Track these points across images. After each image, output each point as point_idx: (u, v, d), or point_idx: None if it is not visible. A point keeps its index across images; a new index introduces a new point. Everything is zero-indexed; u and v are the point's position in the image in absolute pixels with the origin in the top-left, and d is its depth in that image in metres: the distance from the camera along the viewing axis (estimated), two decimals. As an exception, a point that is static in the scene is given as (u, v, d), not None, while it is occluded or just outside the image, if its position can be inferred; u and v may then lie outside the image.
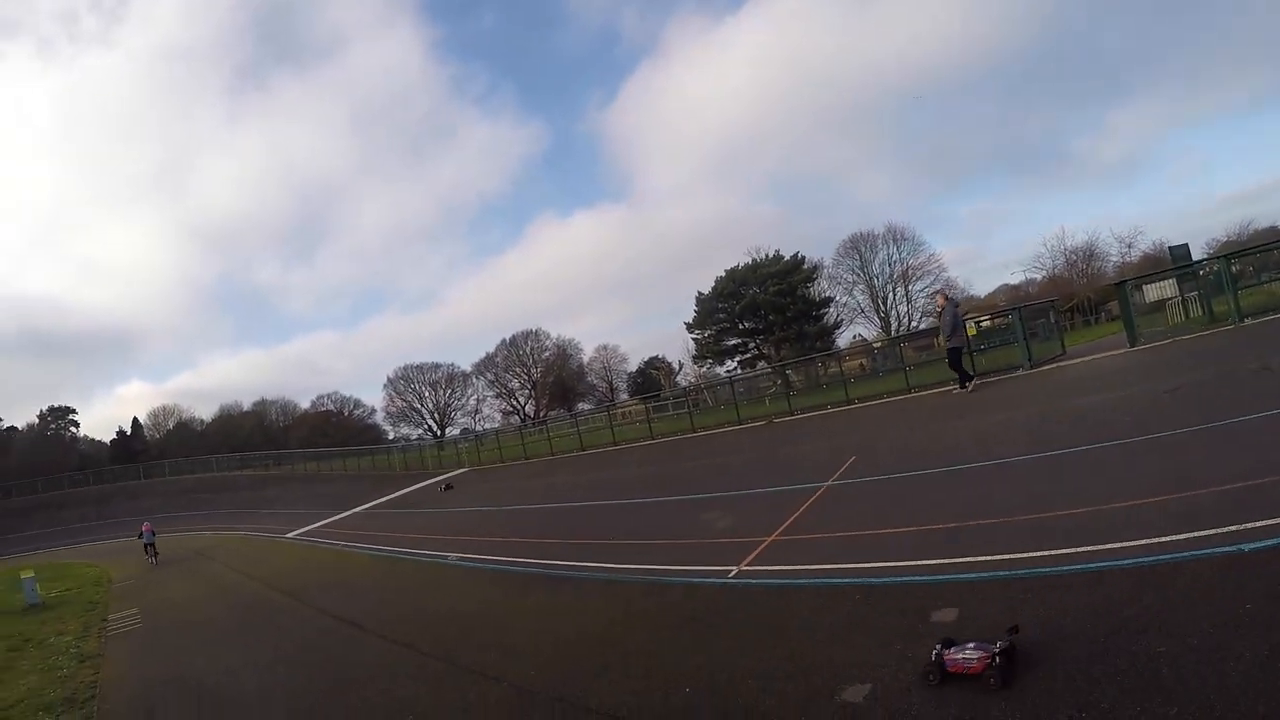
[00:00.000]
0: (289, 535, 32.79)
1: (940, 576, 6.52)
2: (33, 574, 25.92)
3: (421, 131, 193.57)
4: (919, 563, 7.05)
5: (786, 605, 7.04)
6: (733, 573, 8.70)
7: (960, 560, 6.75)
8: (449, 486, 34.97)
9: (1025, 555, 6.44)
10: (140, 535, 36.45)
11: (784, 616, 6.74)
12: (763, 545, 9.53)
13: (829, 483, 12.32)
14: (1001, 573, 6.18)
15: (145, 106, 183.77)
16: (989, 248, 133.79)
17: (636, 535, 12.99)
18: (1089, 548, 6.18)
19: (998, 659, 4.46)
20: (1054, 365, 21.14)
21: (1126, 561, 5.66)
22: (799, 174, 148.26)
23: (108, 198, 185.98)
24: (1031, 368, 21.06)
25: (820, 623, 6.28)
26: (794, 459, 16.71)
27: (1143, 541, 5.92)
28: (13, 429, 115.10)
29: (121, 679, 11.89)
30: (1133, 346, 20.45)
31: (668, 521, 13.72)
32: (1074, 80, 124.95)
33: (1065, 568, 5.94)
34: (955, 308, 21.14)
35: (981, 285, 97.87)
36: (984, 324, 26.95)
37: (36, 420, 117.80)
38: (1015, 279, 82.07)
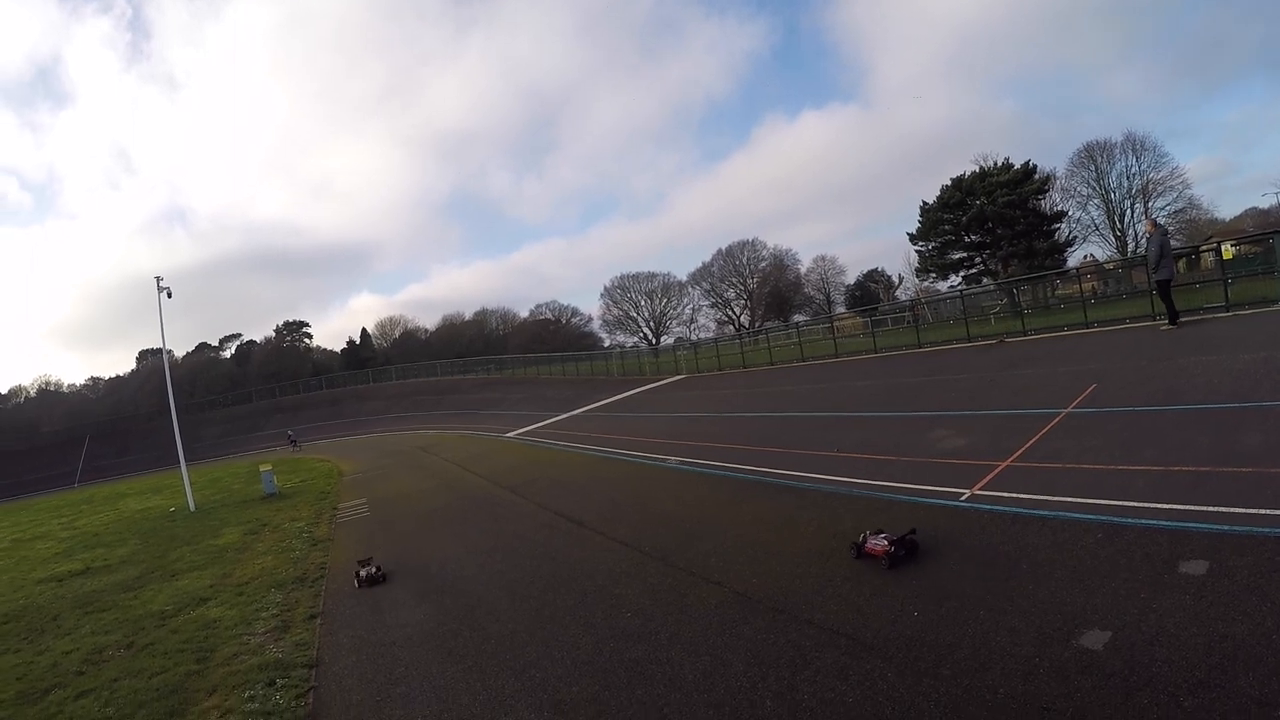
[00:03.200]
0: (509, 435, 34.12)
1: (1190, 524, 6.04)
2: (270, 467, 28.33)
3: (648, 31, 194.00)
4: (1166, 506, 6.54)
5: (1022, 536, 6.73)
6: (964, 496, 8.42)
7: (1211, 509, 6.24)
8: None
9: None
10: (289, 437, 45.10)
11: (1019, 548, 6.46)
12: (997, 470, 9.16)
13: (1068, 409, 11.57)
14: (1257, 529, 5.66)
15: (372, 19, 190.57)
16: (1240, 164, 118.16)
17: (860, 449, 12.62)
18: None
19: (893, 548, 6.80)
20: None
21: None
22: (1042, 69, 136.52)
23: (339, 117, 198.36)
24: (1292, 302, 19.00)
25: (1058, 560, 5.99)
26: (1029, 382, 15.81)
27: None
28: (252, 342, 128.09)
29: (349, 562, 12.57)
30: None
31: (894, 438, 13.23)
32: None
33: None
34: (1164, 236, 19.37)
35: (1227, 207, 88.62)
36: (1236, 249, 24.67)
37: (274, 334, 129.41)
38: (1266, 202, 74.19)
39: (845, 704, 4.60)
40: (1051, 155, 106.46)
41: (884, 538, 6.98)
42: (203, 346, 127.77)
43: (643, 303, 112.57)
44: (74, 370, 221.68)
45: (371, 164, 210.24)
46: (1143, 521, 6.31)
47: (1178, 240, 61.95)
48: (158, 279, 27.62)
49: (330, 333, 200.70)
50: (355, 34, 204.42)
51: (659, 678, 5.48)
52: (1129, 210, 69.04)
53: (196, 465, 44.81)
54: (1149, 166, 68.29)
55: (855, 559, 7.07)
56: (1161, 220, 65.90)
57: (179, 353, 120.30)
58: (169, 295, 27.82)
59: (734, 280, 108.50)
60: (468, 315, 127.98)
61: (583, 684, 5.69)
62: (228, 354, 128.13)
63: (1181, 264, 36.06)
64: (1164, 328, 18.66)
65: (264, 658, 8.11)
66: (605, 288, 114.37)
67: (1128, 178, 69.41)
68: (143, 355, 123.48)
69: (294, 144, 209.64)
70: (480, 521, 14.29)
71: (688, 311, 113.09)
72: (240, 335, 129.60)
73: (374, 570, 10.83)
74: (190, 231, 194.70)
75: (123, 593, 13.02)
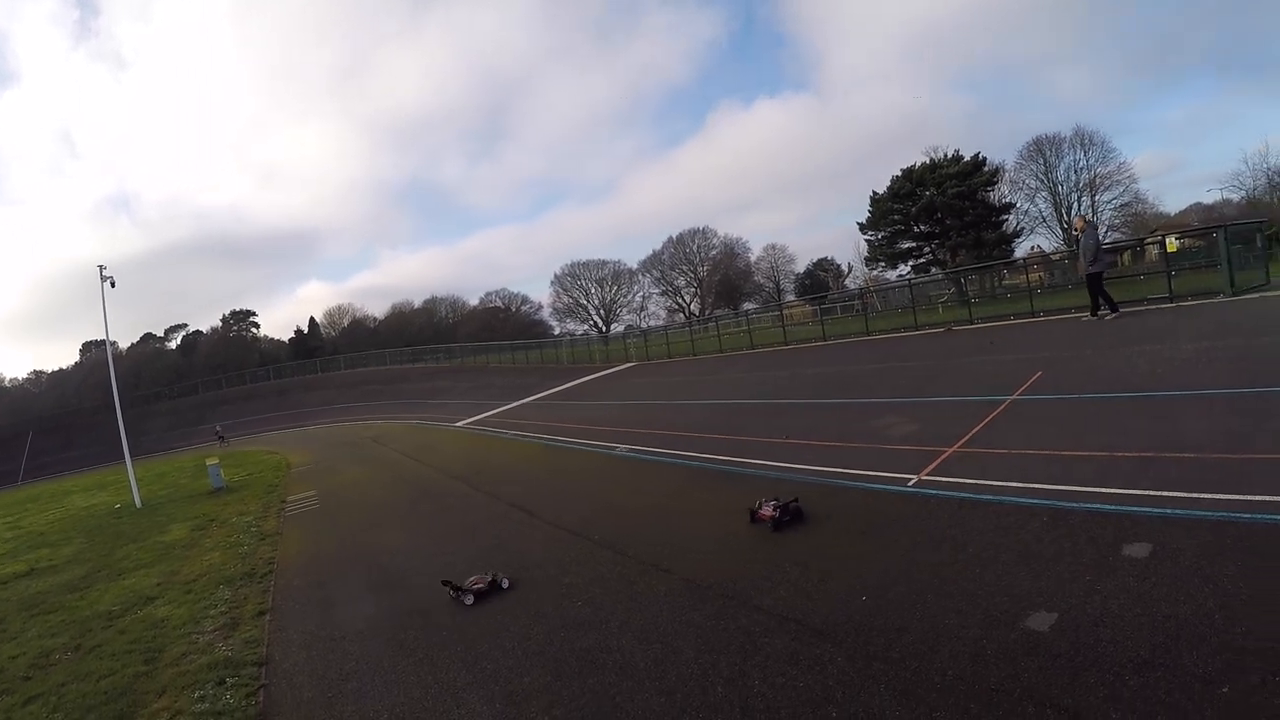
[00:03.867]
0: (459, 424, 33.96)
1: (1134, 508, 6.19)
2: (217, 461, 27.97)
3: (607, 14, 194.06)
4: (1111, 490, 6.69)
5: (969, 520, 6.84)
6: (912, 482, 8.54)
7: (1155, 494, 6.40)
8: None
9: (1223, 497, 6.04)
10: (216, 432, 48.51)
11: (966, 532, 6.55)
12: (944, 455, 9.30)
13: (1014, 397, 11.82)
14: (1199, 512, 5.81)
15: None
16: (1186, 160, 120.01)
17: (809, 436, 12.76)
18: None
19: (779, 513, 7.95)
20: (1258, 295, 19.31)
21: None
22: (995, 64, 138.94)
23: (291, 100, 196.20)
24: (1233, 294, 19.44)
25: (1004, 543, 6.09)
26: (976, 369, 16.06)
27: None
28: (198, 332, 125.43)
29: (298, 555, 12.59)
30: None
31: (843, 424, 13.41)
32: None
33: (1266, 516, 5.53)
34: (1095, 232, 20.32)
35: (1172, 202, 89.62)
36: (1181, 243, 25.16)
37: (220, 324, 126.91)
38: (1210, 198, 75.76)
39: (796, 689, 4.62)
40: (1002, 149, 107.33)
41: (772, 504, 8.13)
42: (148, 337, 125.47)
43: (593, 290, 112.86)
44: (16, 363, 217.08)
45: (323, 149, 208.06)
46: (1087, 506, 6.45)
47: (1123, 233, 63.37)
48: (101, 268, 27.00)
49: (278, 322, 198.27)
50: (310, 11, 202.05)
51: (610, 666, 5.47)
52: (1076, 203, 70.50)
53: (143, 460, 44.16)
54: (1096, 161, 69.77)
55: (750, 523, 8.09)
56: (1108, 214, 67.15)
57: (123, 344, 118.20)
58: (112, 285, 27.22)
59: (684, 268, 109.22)
60: (417, 303, 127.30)
61: (534, 674, 5.67)
62: (173, 345, 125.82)
63: (1126, 256, 36.71)
64: (1086, 319, 19.72)
65: (213, 656, 7.98)
66: (555, 275, 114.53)
67: (1075, 171, 70.88)
68: (86, 347, 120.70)
69: (244, 127, 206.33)
70: (430, 512, 14.19)
71: (638, 299, 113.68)
72: (186, 325, 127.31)
73: (492, 580, 8.28)
74: (135, 219, 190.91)
75: (69, 593, 12.75)
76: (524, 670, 5.78)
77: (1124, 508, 6.24)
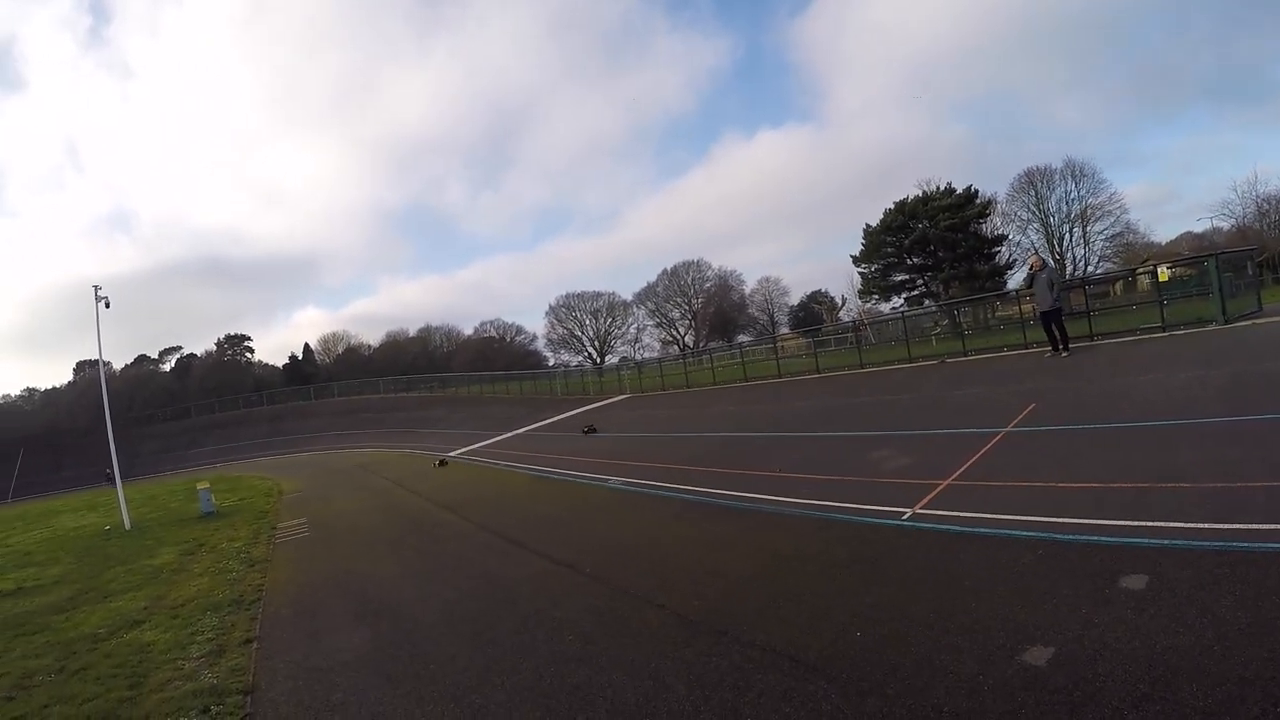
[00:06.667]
0: (452, 454, 33.86)
1: (1129, 540, 6.15)
2: (208, 485, 27.61)
3: (612, 42, 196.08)
4: (1106, 522, 6.66)
5: (964, 554, 6.79)
6: (907, 515, 8.49)
7: (1150, 524, 6.38)
8: (591, 429, 35.24)
9: (1219, 526, 6.02)
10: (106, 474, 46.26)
11: (961, 566, 6.49)
12: (939, 489, 9.26)
13: (1008, 429, 11.84)
14: (1197, 543, 5.78)
15: (335, 16, 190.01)
16: (1181, 190, 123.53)
17: (804, 469, 12.71)
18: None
19: None
20: (1249, 322, 19.44)
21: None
22: (992, 95, 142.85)
23: (294, 121, 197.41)
24: (1226, 322, 19.52)
25: (1000, 576, 6.03)
26: (969, 402, 16.11)
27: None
28: (192, 355, 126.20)
29: (287, 583, 12.45)
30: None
31: (837, 457, 13.40)
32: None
33: (1262, 545, 5.50)
34: (1049, 272, 20.67)
35: (1164, 231, 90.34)
36: (1172, 272, 25.34)
37: (214, 347, 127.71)
38: (1200, 226, 76.63)
39: (789, 726, 4.54)
40: (998, 180, 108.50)
41: None
42: (142, 359, 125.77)
43: (588, 322, 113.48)
44: (8, 380, 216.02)
45: (324, 173, 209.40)
46: (1083, 538, 6.41)
47: (1115, 264, 63.73)
48: (96, 288, 26.98)
49: (272, 347, 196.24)
50: (317, 29, 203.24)
51: (600, 702, 5.37)
52: (1068, 234, 71.51)
53: (133, 482, 44.05)
54: (1088, 192, 71.05)
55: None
56: (1100, 244, 67.71)
57: (117, 365, 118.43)
58: (107, 305, 27.14)
59: (679, 300, 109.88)
60: (412, 332, 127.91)
61: (524, 710, 5.56)
62: (167, 367, 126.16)
63: (1118, 286, 36.85)
64: (1048, 355, 19.95)
65: (198, 684, 7.85)
66: (550, 306, 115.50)
67: (1067, 203, 72.06)
68: (80, 366, 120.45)
69: (245, 147, 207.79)
70: (420, 543, 14.11)
71: (632, 331, 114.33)
72: (180, 348, 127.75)
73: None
74: (133, 237, 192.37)
75: (55, 614, 12.61)
76: (513, 706, 5.68)
77: (1120, 539, 6.20)
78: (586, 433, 31.66)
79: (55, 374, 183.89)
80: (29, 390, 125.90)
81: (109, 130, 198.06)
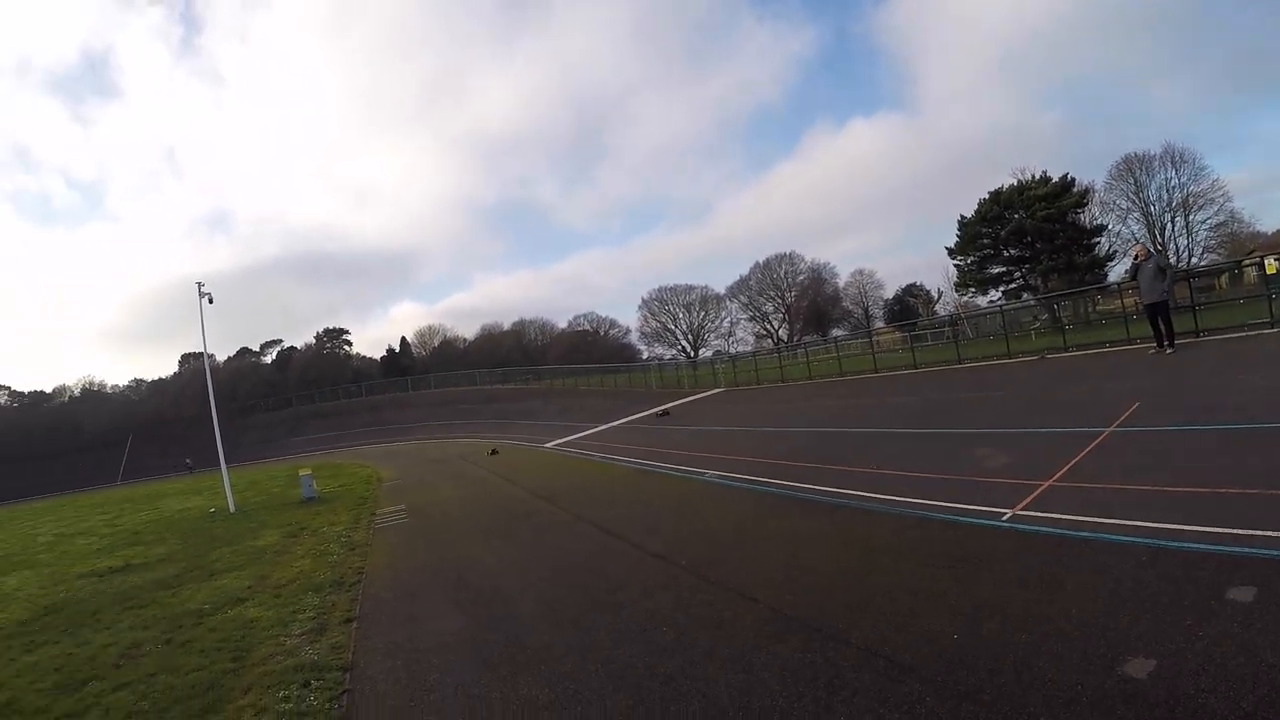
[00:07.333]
0: (547, 445, 34.42)
1: (1238, 549, 5.91)
2: (310, 471, 28.61)
3: (699, 35, 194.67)
4: (1212, 529, 6.40)
5: (1064, 558, 6.62)
6: (1006, 516, 8.30)
7: (1260, 533, 6.09)
8: (665, 413, 35.31)
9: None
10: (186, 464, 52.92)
11: (1061, 570, 6.34)
12: (1040, 489, 9.02)
13: (1111, 428, 11.41)
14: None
15: (422, 16, 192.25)
16: None
17: (900, 466, 12.51)
18: None
19: None
20: None
21: None
22: (1088, 79, 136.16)
23: (385, 119, 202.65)
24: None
25: (1101, 583, 5.87)
26: (1071, 399, 15.64)
27: None
28: (293, 348, 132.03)
29: (386, 567, 12.81)
30: None
31: (935, 455, 13.08)
32: None
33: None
34: (1155, 262, 19.79)
35: (1270, 220, 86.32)
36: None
37: (314, 340, 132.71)
38: (1316, 214, 73.36)
39: (883, 726, 4.54)
40: (1095, 168, 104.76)
41: None
42: (244, 351, 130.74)
43: (681, 315, 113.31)
44: (118, 372, 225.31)
45: (417, 170, 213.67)
46: (1188, 545, 6.19)
47: (1219, 255, 61.34)
48: (199, 285, 28.02)
49: (370, 340, 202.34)
50: (405, 31, 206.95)
51: (692, 694, 5.44)
52: (1169, 224, 68.32)
53: (236, 468, 45.28)
54: (1189, 179, 68.04)
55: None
56: (1203, 234, 65.05)
57: (220, 357, 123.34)
58: (210, 301, 28.27)
59: (772, 294, 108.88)
60: (506, 325, 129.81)
61: (616, 698, 5.66)
62: (268, 359, 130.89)
63: (1224, 279, 35.60)
64: (1152, 352, 19.14)
65: (299, 659, 8.19)
66: (644, 299, 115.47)
67: (1167, 190, 68.90)
68: (185, 359, 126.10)
69: (339, 146, 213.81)
70: (517, 531, 14.32)
71: (726, 324, 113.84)
72: (281, 341, 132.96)
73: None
74: (231, 236, 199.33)
75: (162, 590, 13.25)
76: (606, 694, 5.77)
77: (1228, 548, 5.97)
78: (660, 416, 31.81)
79: (161, 366, 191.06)
80: (136, 381, 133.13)
81: (204, 135, 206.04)
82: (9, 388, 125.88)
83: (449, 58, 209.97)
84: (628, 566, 9.83)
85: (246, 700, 7.10)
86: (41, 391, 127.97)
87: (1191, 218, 67.80)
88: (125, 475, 79.88)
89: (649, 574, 9.19)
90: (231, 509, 25.82)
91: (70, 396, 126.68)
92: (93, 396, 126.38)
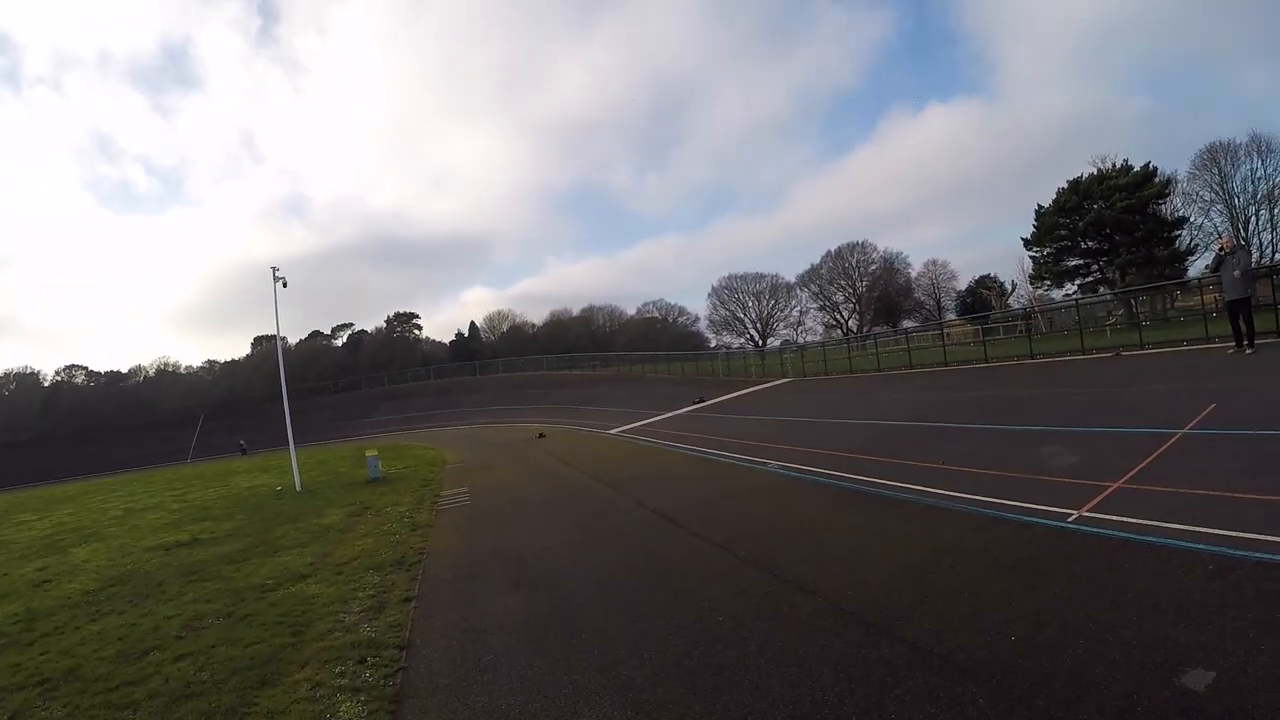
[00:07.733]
0: (612, 431, 34.79)
1: (1312, 561, 5.72)
2: (376, 453, 29.32)
3: (776, 17, 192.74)
4: (1286, 541, 6.20)
5: (1129, 563, 6.46)
6: (1072, 517, 8.13)
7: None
8: (730, 402, 35.22)
9: None
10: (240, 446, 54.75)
11: (1125, 575, 6.20)
12: (1107, 491, 8.82)
13: (1185, 430, 11.10)
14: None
15: (490, 6, 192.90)
16: None
17: (966, 462, 12.33)
18: None
19: None
20: None
21: None
22: (1169, 65, 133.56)
23: (459, 105, 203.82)
24: None
25: (1165, 590, 5.74)
26: (1145, 399, 15.25)
27: None
28: (363, 331, 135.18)
29: (447, 548, 13.07)
30: None
31: (1001, 451, 12.89)
32: None
33: None
34: (1239, 255, 19.19)
35: None
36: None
37: (384, 324, 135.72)
38: None
39: (934, 726, 4.51)
40: (1178, 157, 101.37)
41: None
42: (315, 334, 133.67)
43: (750, 304, 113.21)
44: (191, 353, 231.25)
45: (490, 156, 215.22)
46: (1258, 555, 6.00)
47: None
48: (274, 269, 28.62)
49: (439, 325, 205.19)
50: (480, 14, 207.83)
51: (746, 685, 5.47)
52: (1254, 217, 64.92)
53: (305, 447, 46.18)
54: (1275, 170, 64.42)
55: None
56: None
57: (292, 339, 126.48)
58: (284, 285, 28.97)
59: (842, 283, 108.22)
60: (575, 311, 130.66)
61: (670, 685, 5.71)
62: (339, 342, 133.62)
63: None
64: (1231, 351, 18.57)
65: (357, 636, 8.41)
66: (713, 287, 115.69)
67: (1253, 181, 65.49)
68: (257, 340, 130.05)
69: (412, 132, 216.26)
70: (578, 516, 14.46)
71: (795, 314, 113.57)
72: (352, 324, 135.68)
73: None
74: (306, 221, 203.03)
75: (226, 564, 13.70)
76: (659, 682, 5.82)
77: (1301, 560, 5.79)
78: (725, 405, 31.74)
79: (234, 347, 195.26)
80: (209, 362, 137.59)
81: (282, 122, 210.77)
82: (86, 368, 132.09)
83: (524, 41, 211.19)
84: (686, 554, 9.88)
85: (303, 674, 7.31)
86: (118, 371, 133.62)
87: (1277, 211, 64.72)
88: (195, 453, 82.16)
89: (708, 563, 9.25)
90: (298, 487, 26.55)
91: (145, 377, 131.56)
92: (167, 377, 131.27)
